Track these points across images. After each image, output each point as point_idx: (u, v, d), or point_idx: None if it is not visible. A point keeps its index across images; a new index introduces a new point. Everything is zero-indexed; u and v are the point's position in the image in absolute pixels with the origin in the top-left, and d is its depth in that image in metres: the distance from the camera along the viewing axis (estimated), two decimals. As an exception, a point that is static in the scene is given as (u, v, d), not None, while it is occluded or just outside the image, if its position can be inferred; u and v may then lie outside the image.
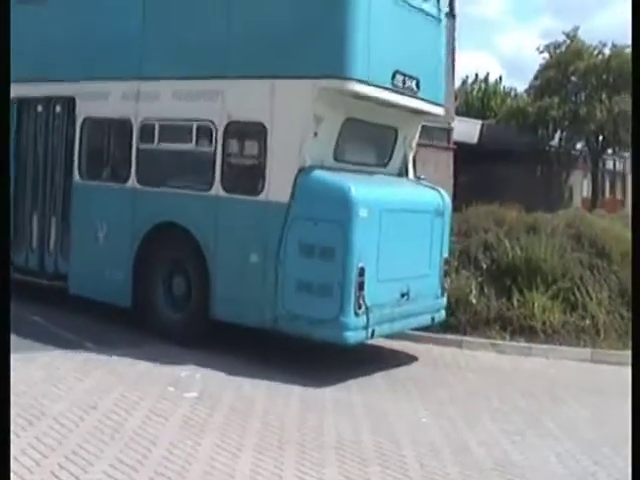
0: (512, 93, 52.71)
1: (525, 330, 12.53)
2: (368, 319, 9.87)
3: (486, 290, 13.09)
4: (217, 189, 10.72)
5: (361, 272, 9.68)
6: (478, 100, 52.55)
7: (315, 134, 10.18)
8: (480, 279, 13.31)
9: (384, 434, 7.89)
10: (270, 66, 10.40)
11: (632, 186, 7.85)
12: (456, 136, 31.26)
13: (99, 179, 12.17)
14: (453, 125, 30.70)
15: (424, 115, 12.09)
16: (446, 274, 11.80)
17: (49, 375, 8.72)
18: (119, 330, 11.23)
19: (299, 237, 9.94)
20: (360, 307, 9.72)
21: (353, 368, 10.39)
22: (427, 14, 11.47)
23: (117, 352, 10.05)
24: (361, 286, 9.70)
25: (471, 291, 12.91)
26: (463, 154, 31.31)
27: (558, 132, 39.04)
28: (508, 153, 35.15)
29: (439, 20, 11.80)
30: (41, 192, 12.90)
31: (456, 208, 17.44)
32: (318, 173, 10.10)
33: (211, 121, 10.81)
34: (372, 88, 10.38)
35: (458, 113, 35.14)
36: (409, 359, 11.46)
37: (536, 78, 41.13)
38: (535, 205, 18.28)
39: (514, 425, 8.55)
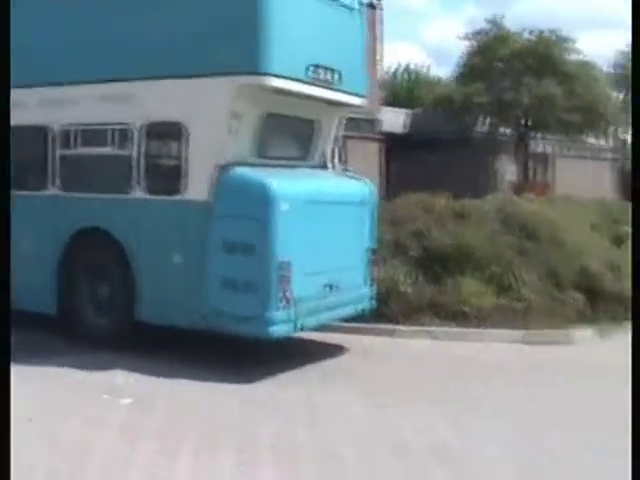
0: (438, 81, 53.03)
1: (458, 315, 12.63)
2: (294, 313, 9.95)
3: (418, 278, 13.16)
4: (138, 191, 10.72)
5: (285, 266, 9.75)
6: (405, 90, 52.75)
7: (235, 131, 10.22)
8: (411, 267, 13.37)
9: (319, 427, 7.91)
10: (187, 66, 10.41)
11: (632, 186, 7.94)
12: (384, 126, 31.35)
13: (21, 188, 11.67)
14: (381, 116, 30.78)
15: (346, 107, 12.12)
16: (373, 264, 11.81)
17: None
18: (52, 339, 11.14)
19: (221, 235, 9.97)
20: (285, 301, 9.79)
21: (285, 363, 10.45)
22: (344, 6, 11.48)
23: (50, 361, 9.99)
24: (285, 280, 9.76)
25: (402, 280, 12.97)
26: (392, 144, 31.43)
27: (484, 118, 39.33)
28: (436, 141, 35.30)
29: (357, 11, 11.80)
30: None
31: (386, 198, 17.52)
32: (238, 170, 10.11)
33: (129, 123, 10.79)
34: (290, 82, 10.40)
35: (386, 103, 35.22)
36: (341, 351, 11.49)
37: (461, 65, 41.37)
38: (464, 191, 18.40)
39: (449, 410, 8.60)
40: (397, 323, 12.51)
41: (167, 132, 10.76)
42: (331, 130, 12.13)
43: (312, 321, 10.59)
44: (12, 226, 11.40)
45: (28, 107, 11.52)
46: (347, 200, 11.37)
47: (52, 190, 11.55)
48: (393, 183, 27.88)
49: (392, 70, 54.70)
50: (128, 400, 8.52)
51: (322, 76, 10.99)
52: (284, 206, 9.77)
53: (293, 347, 11.10)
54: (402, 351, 11.63)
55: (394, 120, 34.64)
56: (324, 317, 10.95)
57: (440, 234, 13.92)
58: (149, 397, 8.69)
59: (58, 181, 11.51)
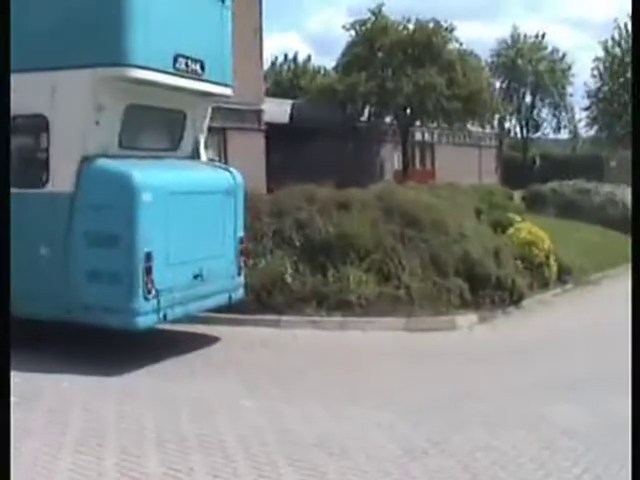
0: (321, 71, 53.31)
1: (342, 305, 12.69)
2: (159, 303, 9.96)
3: (301, 268, 13.20)
4: None
5: (148, 257, 9.74)
6: (288, 80, 52.94)
7: (97, 123, 10.15)
8: (295, 258, 13.40)
9: (204, 421, 7.81)
10: (49, 58, 10.29)
11: (632, 187, 8.01)
12: (268, 117, 31.34)
13: None
14: (263, 107, 30.76)
15: (213, 97, 12.12)
16: (242, 253, 11.84)
17: None
18: None
19: (85, 226, 9.94)
20: (149, 292, 9.80)
21: (166, 355, 10.45)
22: None
23: None
24: (149, 271, 9.76)
25: (286, 270, 12.99)
26: (275, 135, 31.44)
27: (367, 107, 39.71)
28: (319, 131, 35.51)
29: (222, 2, 11.79)
30: None
31: (270, 189, 17.47)
32: (100, 161, 10.07)
33: None
34: (153, 73, 10.38)
35: (269, 94, 35.25)
36: (225, 343, 11.46)
37: (344, 55, 41.68)
38: (348, 181, 18.53)
39: (333, 400, 8.64)
40: (282, 314, 12.51)
41: (32, 125, 10.62)
42: (199, 120, 12.12)
43: (178, 311, 10.56)
44: None
45: None
46: (213, 190, 11.37)
47: None
48: (277, 174, 27.90)
49: (275, 61, 54.82)
50: (13, 399, 8.33)
51: (187, 67, 10.99)
52: (146, 197, 9.77)
53: (177, 339, 11.11)
54: (289, 342, 11.66)
55: (277, 111, 34.68)
56: (192, 307, 10.95)
57: (323, 224, 13.96)
58: (33, 395, 8.52)
59: None
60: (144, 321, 9.90)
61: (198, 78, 11.23)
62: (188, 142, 12.01)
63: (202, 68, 11.26)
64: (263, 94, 31.41)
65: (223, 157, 27.41)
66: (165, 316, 10.19)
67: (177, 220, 10.22)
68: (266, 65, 35.54)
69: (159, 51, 10.42)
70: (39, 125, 10.40)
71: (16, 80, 10.05)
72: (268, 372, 9.94)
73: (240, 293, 11.87)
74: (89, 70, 10.03)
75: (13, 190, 10.18)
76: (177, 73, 10.81)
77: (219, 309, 12.05)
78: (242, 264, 11.84)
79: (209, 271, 10.91)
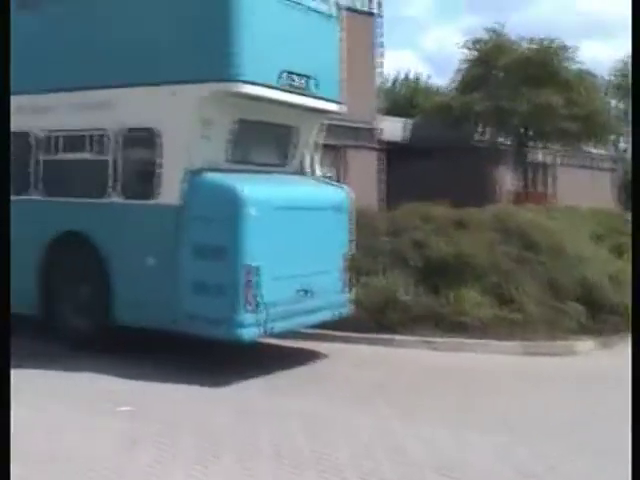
0: (437, 89, 53.05)
1: (457, 326, 12.55)
2: (263, 316, 10.06)
3: (416, 288, 13.09)
4: (114, 196, 10.95)
5: (252, 270, 9.88)
6: (404, 98, 52.78)
7: (205, 137, 10.42)
8: (410, 277, 13.30)
9: (319, 438, 7.80)
10: (160, 73, 10.65)
11: (632, 188, 7.88)
12: (384, 135, 31.31)
13: None
14: (379, 125, 30.75)
15: (322, 113, 12.18)
16: (349, 269, 11.83)
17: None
18: (47, 343, 11.20)
19: (192, 238, 10.17)
20: (253, 304, 9.92)
21: (281, 371, 10.55)
22: (319, 12, 11.63)
23: (49, 367, 10.04)
24: (253, 284, 9.89)
25: (401, 289, 12.90)
26: (391, 153, 31.37)
27: (483, 127, 39.30)
28: (435, 150, 35.24)
29: (331, 17, 11.93)
30: None
31: (385, 207, 17.42)
32: (207, 175, 10.31)
33: (105, 129, 11.03)
34: (260, 88, 10.55)
35: (384, 112, 35.20)
36: (339, 360, 11.47)
37: (460, 74, 41.36)
38: (463, 201, 18.34)
39: (449, 422, 8.51)
40: (396, 333, 12.43)
41: (141, 138, 10.92)
42: (308, 136, 12.21)
43: (284, 325, 10.68)
44: None
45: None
46: (321, 206, 11.42)
47: (34, 195, 11.81)
48: (392, 192, 27.83)
49: (391, 78, 54.76)
50: (127, 408, 8.47)
51: (295, 82, 11.13)
52: (253, 211, 9.91)
53: (291, 355, 11.17)
54: (404, 361, 11.57)
55: (393, 129, 34.60)
56: (297, 322, 11.10)
57: (439, 244, 13.85)
58: (147, 404, 8.69)
59: (40, 186, 11.79)
60: (247, 333, 10.03)
61: (306, 94, 11.36)
62: (298, 158, 12.15)
63: (310, 84, 11.37)
64: (379, 112, 31.39)
65: (339, 174, 27.50)
66: (269, 329, 10.30)
67: (283, 235, 10.32)
68: (381, 82, 35.46)
69: (267, 67, 10.60)
70: (150, 138, 10.65)
71: (129, 94, 10.77)
72: (381, 390, 9.86)
73: (347, 309, 11.88)
74: (197, 85, 10.32)
75: (124, 201, 10.78)
76: (285, 88, 10.97)
77: (332, 326, 12.10)
78: (349, 281, 11.82)
79: (315, 286, 10.99)
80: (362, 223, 14.20)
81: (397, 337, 12.36)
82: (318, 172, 12.41)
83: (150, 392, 9.23)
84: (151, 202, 10.63)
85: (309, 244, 10.93)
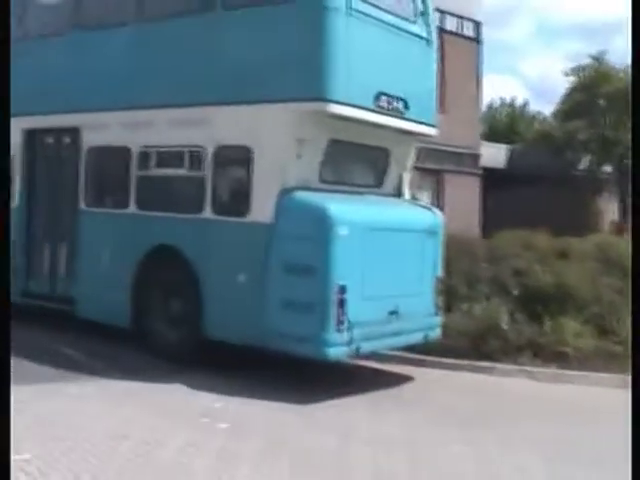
0: (538, 117, 52.64)
1: (557, 356, 12.41)
2: (351, 335, 10.08)
3: (517, 316, 13.00)
4: (207, 212, 11.13)
5: (342, 289, 9.92)
6: (504, 125, 52.48)
7: (298, 156, 10.50)
8: (511, 305, 13.23)
9: (420, 464, 7.82)
10: (255, 92, 10.81)
11: (632, 190, 7.82)
12: (483, 161, 31.18)
13: (102, 206, 12.72)
14: (480, 150, 30.63)
15: (417, 136, 12.28)
16: (440, 293, 11.85)
17: (81, 406, 8.78)
18: (149, 357, 11.39)
19: (282, 256, 10.26)
20: (342, 324, 9.95)
21: (381, 395, 10.58)
22: (415, 35, 11.73)
23: (148, 381, 10.25)
24: (342, 303, 9.93)
25: (502, 317, 12.83)
26: (491, 179, 31.21)
27: (586, 156, 38.82)
28: (536, 177, 34.95)
29: (428, 41, 11.98)
30: (52, 220, 13.49)
31: (485, 234, 17.35)
32: (299, 194, 10.40)
33: (201, 146, 11.24)
34: (354, 109, 10.65)
35: (485, 138, 35.08)
36: (438, 386, 11.47)
37: (563, 102, 40.97)
38: (564, 229, 18.18)
39: (545, 453, 8.45)
40: (496, 361, 12.37)
41: (235, 155, 11.09)
42: (402, 158, 12.27)
43: (372, 345, 10.78)
44: (98, 242, 12.39)
45: (110, 129, 12.31)
46: (413, 228, 11.48)
47: (131, 208, 12.09)
48: (490, 218, 27.69)
49: (492, 104, 54.49)
50: (226, 424, 8.56)
51: (389, 105, 11.20)
52: (342, 230, 9.96)
53: (390, 380, 11.27)
54: (503, 390, 11.52)
55: (493, 155, 34.42)
56: (387, 342, 11.17)
57: (540, 272, 13.75)
58: (247, 422, 8.76)
59: (136, 200, 12.04)
60: (335, 352, 10.11)
61: (400, 116, 11.43)
62: (391, 180, 12.20)
63: (405, 106, 11.45)
64: (480, 138, 31.30)
65: (439, 199, 27.49)
66: (358, 349, 10.33)
67: (374, 255, 10.38)
68: (483, 108, 35.34)
69: (361, 88, 10.70)
70: (243, 156, 10.81)
71: (225, 111, 11.00)
72: (480, 418, 9.83)
73: (437, 332, 11.91)
74: (292, 104, 10.43)
75: (216, 217, 11.02)
76: (379, 110, 11.05)
77: (432, 352, 12.12)
78: (439, 304, 11.84)
79: (405, 308, 11.00)
80: (462, 249, 14.24)
81: (497, 365, 12.28)
82: (408, 195, 12.47)
83: (246, 409, 9.34)
84: (243, 219, 10.80)
85: (400, 266, 11.01)
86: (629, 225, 37.14)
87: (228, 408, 9.26)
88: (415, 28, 11.81)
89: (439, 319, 11.94)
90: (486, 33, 31.09)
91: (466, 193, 28.52)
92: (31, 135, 13.73)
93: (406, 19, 11.71)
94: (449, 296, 13.28)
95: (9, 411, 5.77)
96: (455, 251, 14.25)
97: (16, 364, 10.05)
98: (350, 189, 11.37)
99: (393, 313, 10.84)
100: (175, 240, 11.43)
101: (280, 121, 10.53)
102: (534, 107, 59.79)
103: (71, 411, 8.52)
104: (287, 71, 10.60)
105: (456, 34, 28.93)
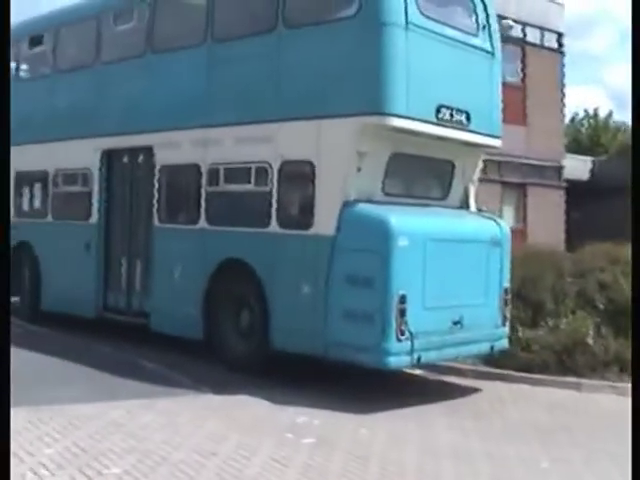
0: (623, 127, 51.75)
1: (646, 372, 12.19)
2: (412, 345, 10.16)
3: (604, 331, 12.81)
4: (273, 225, 11.30)
5: (402, 299, 10.01)
6: (588, 136, 51.76)
7: (359, 169, 10.58)
8: (598, 320, 13.04)
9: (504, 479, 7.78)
10: (316, 107, 11.00)
11: (632, 190, 7.71)
12: (567, 174, 30.76)
13: (174, 222, 13.04)
14: (563, 162, 30.26)
15: (481, 148, 12.30)
16: (507, 303, 11.82)
17: (168, 421, 8.86)
18: (226, 370, 11.56)
19: (344, 268, 10.42)
20: (402, 333, 10.05)
21: (464, 410, 10.57)
22: (477, 49, 11.79)
23: (233, 396, 10.36)
24: (402, 313, 10.02)
25: (588, 332, 12.66)
26: (574, 192, 30.78)
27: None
28: (620, 190, 34.33)
29: (491, 54, 12.04)
30: (128, 236, 13.86)
31: (570, 247, 17.13)
32: (360, 206, 10.52)
33: (267, 162, 11.41)
34: (415, 122, 10.74)
35: (568, 150, 34.63)
36: (525, 402, 11.32)
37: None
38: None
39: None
40: (582, 377, 12.19)
41: (299, 170, 11.27)
42: (468, 170, 12.31)
43: (434, 355, 10.86)
44: (171, 257, 12.74)
45: (181, 147, 12.63)
46: (477, 239, 11.53)
47: (201, 224, 12.34)
48: (576, 232, 27.31)
49: (575, 116, 53.80)
50: (311, 440, 8.56)
51: (452, 117, 11.27)
52: (402, 242, 10.07)
53: (474, 397, 11.24)
54: (590, 406, 11.35)
55: (577, 167, 33.94)
56: (449, 352, 11.22)
57: (627, 286, 13.52)
58: (331, 437, 8.72)
59: (206, 215, 12.27)
60: (395, 361, 10.22)
61: (463, 129, 11.48)
62: (457, 192, 12.26)
63: (468, 119, 11.48)
64: (563, 150, 30.93)
65: (522, 213, 27.25)
66: (419, 358, 10.41)
67: (436, 266, 10.45)
68: (566, 120, 34.93)
69: (421, 101, 10.78)
70: (306, 170, 10.99)
71: (288, 127, 11.25)
72: (567, 434, 9.67)
73: (503, 343, 11.92)
74: (351, 119, 10.56)
75: (281, 230, 11.26)
76: (440, 123, 11.10)
77: (516, 367, 12.02)
78: (506, 314, 11.81)
79: (469, 318, 11.04)
80: (547, 263, 14.10)
81: (583, 380, 12.09)
82: (474, 206, 12.48)
83: (329, 424, 9.34)
84: (307, 232, 10.97)
85: (463, 276, 11.05)
86: None
87: (312, 423, 9.25)
88: (478, 41, 11.91)
89: (506, 330, 11.96)
90: (569, 44, 30.66)
91: (550, 206, 28.15)
92: (109, 155, 14.22)
93: (468, 32, 11.81)
94: (534, 311, 13.19)
95: (9, 411, 5.76)
96: (540, 265, 14.15)
97: (106, 379, 10.43)
98: (414, 201, 11.46)
99: (457, 323, 10.91)
100: (243, 254, 11.65)
101: (341, 135, 10.66)
102: (618, 117, 58.82)
103: (160, 426, 8.61)
104: (347, 86, 10.80)
105: (538, 45, 28.64)
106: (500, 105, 12.44)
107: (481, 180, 25.93)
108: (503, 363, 12.49)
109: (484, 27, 12.03)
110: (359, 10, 10.77)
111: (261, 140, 11.58)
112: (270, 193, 11.42)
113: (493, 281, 11.63)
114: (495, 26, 12.33)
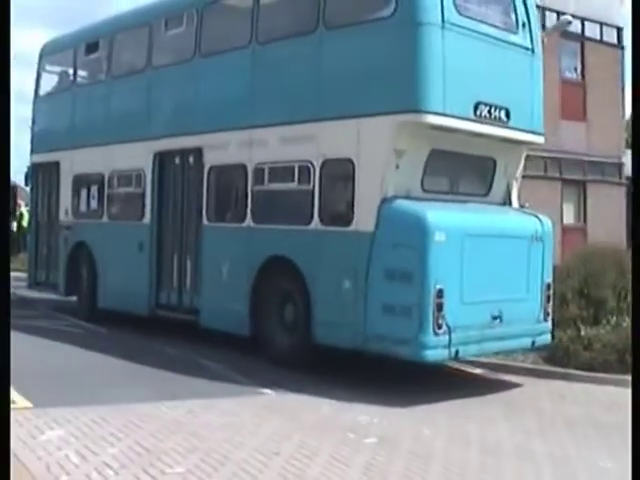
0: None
1: None
2: (450, 339, 10.34)
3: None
4: (315, 223, 11.55)
5: (439, 294, 10.20)
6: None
7: (397, 166, 10.78)
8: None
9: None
10: (355, 106, 11.24)
11: (632, 189, 7.57)
12: (628, 171, 30.31)
13: (222, 221, 13.41)
14: (624, 159, 29.85)
15: (523, 144, 12.39)
16: (548, 299, 11.91)
17: (230, 421, 8.91)
18: (291, 372, 11.55)
19: (383, 263, 10.66)
20: (440, 327, 10.24)
21: (528, 412, 10.41)
22: (516, 46, 11.88)
23: (294, 396, 10.43)
24: (440, 307, 10.20)
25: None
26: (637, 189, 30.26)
27: None
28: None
29: (531, 50, 12.11)
30: (179, 236, 14.22)
31: (626, 244, 16.89)
32: (399, 202, 10.71)
33: (309, 161, 11.66)
34: (452, 120, 10.90)
35: (627, 146, 34.15)
36: (588, 401, 11.20)
37: None
38: None
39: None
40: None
41: (339, 168, 11.49)
42: (510, 167, 12.40)
43: (472, 349, 11.02)
44: (219, 255, 13.13)
45: (229, 148, 13.01)
46: (517, 235, 11.65)
47: (247, 222, 12.68)
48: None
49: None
50: (373, 439, 8.52)
51: (490, 114, 11.39)
52: (439, 237, 10.26)
53: (537, 395, 11.31)
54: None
55: (639, 164, 33.37)
56: (489, 347, 11.35)
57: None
58: (393, 437, 8.70)
59: (251, 214, 12.60)
60: (433, 355, 10.44)
61: (503, 125, 11.59)
62: (499, 188, 12.37)
63: (507, 116, 11.59)
64: (624, 146, 30.51)
65: (582, 210, 26.94)
66: (457, 352, 10.60)
67: (474, 261, 10.62)
68: (626, 115, 34.43)
69: (458, 99, 10.94)
70: (346, 168, 11.23)
71: (329, 127, 11.55)
72: (625, 434, 9.58)
73: (546, 338, 12.06)
74: (388, 117, 10.79)
75: (323, 227, 11.56)
76: (479, 120, 11.24)
77: (576, 365, 11.90)
78: (549, 310, 11.92)
79: (509, 313, 11.18)
80: (609, 261, 13.92)
81: (646, 379, 11.94)
82: (516, 203, 12.55)
83: (390, 423, 9.31)
84: (347, 228, 11.21)
85: (503, 271, 11.18)
86: None
87: (373, 422, 9.25)
88: (517, 39, 12.01)
89: (549, 325, 12.05)
90: (629, 38, 30.12)
91: (610, 203, 27.78)
92: (161, 157, 14.64)
93: (507, 30, 11.93)
94: (596, 309, 13.04)
95: (9, 411, 5.78)
96: (601, 263, 13.99)
97: (167, 379, 10.52)
98: (454, 198, 11.61)
99: (496, 318, 11.03)
100: (287, 251, 11.97)
101: (378, 133, 10.89)
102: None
103: (221, 426, 8.65)
104: (384, 85, 11.00)
105: (598, 41, 28.28)
106: (541, 102, 12.50)
107: (541, 177, 25.96)
108: (565, 362, 12.39)
109: (524, 24, 12.10)
110: (395, 10, 10.95)
111: (303, 139, 11.89)
112: (312, 191, 11.69)
113: (534, 276, 11.73)
114: (536, 23, 12.43)
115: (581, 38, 27.47)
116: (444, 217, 10.64)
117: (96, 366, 11.76)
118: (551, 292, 12.03)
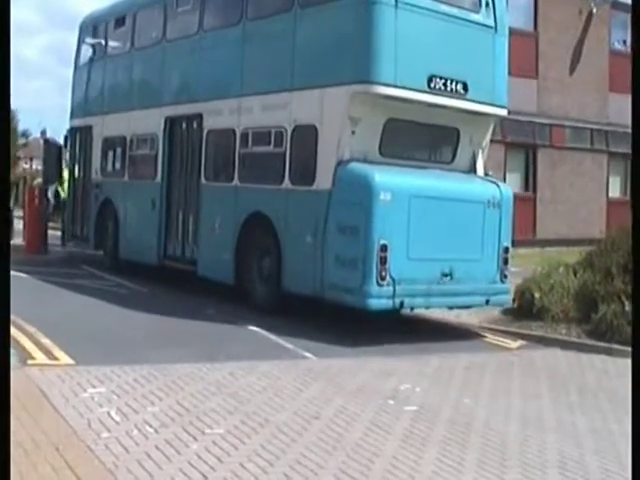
0: None
1: None
2: (394, 290, 11.40)
3: None
4: (286, 182, 12.87)
5: (383, 248, 11.28)
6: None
7: (353, 132, 11.93)
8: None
9: (608, 454, 7.55)
10: (320, 77, 12.49)
11: (631, 188, 7.41)
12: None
13: (216, 180, 14.85)
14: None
15: (486, 116, 13.25)
16: (506, 262, 12.75)
17: (271, 384, 8.95)
18: (337, 338, 11.66)
19: (336, 219, 11.82)
20: (383, 279, 11.31)
21: (571, 386, 10.30)
22: (477, 24, 12.77)
23: (335, 363, 10.45)
24: (383, 260, 11.28)
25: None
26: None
27: None
28: None
29: (494, 29, 12.97)
30: (184, 193, 15.74)
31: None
32: (352, 164, 11.87)
33: (283, 126, 12.98)
34: (404, 91, 11.94)
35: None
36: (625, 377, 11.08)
37: None
38: None
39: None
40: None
41: (306, 134, 12.68)
42: (476, 137, 13.37)
43: (420, 301, 12.08)
44: (213, 211, 14.80)
45: (222, 114, 14.45)
46: (469, 199, 12.54)
47: (235, 181, 14.12)
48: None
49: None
50: (413, 407, 8.49)
51: (446, 87, 12.38)
52: (384, 196, 11.36)
53: (581, 369, 11.27)
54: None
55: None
56: (438, 301, 12.37)
57: None
58: (434, 405, 8.66)
59: (238, 174, 14.05)
60: (377, 304, 11.48)
61: (460, 97, 12.55)
62: (464, 157, 13.33)
63: (465, 89, 12.55)
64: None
65: (629, 184, 26.61)
66: (402, 303, 11.69)
67: (423, 221, 11.66)
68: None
69: (411, 71, 11.98)
70: (311, 134, 12.48)
71: (299, 96, 12.88)
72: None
73: (502, 298, 13.01)
74: (344, 87, 12.01)
75: (292, 187, 12.89)
76: (433, 92, 12.24)
77: (621, 341, 11.97)
78: (506, 272, 12.78)
79: (461, 272, 12.19)
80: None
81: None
82: (481, 171, 13.43)
83: (431, 392, 9.28)
84: (310, 188, 12.48)
85: (455, 232, 12.11)
86: None
87: (414, 390, 9.20)
88: (478, 17, 12.87)
89: (507, 286, 12.95)
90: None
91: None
92: (171, 122, 16.21)
93: (466, 9, 12.83)
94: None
95: (9, 411, 5.54)
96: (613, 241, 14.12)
97: (208, 340, 10.59)
98: (414, 163, 12.62)
99: (447, 275, 12.05)
100: (264, 208, 13.33)
101: (336, 102, 12.12)
102: None
103: (262, 389, 8.69)
104: (343, 59, 12.19)
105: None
106: (505, 76, 13.37)
107: (587, 150, 25.62)
108: (608, 336, 12.28)
109: (487, 4, 12.99)
110: None
111: (279, 107, 13.22)
112: (284, 154, 13.02)
113: (490, 239, 12.59)
114: (501, 2, 13.28)
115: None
116: (391, 179, 11.71)
117: (140, 326, 11.93)
118: (509, 255, 12.90)
